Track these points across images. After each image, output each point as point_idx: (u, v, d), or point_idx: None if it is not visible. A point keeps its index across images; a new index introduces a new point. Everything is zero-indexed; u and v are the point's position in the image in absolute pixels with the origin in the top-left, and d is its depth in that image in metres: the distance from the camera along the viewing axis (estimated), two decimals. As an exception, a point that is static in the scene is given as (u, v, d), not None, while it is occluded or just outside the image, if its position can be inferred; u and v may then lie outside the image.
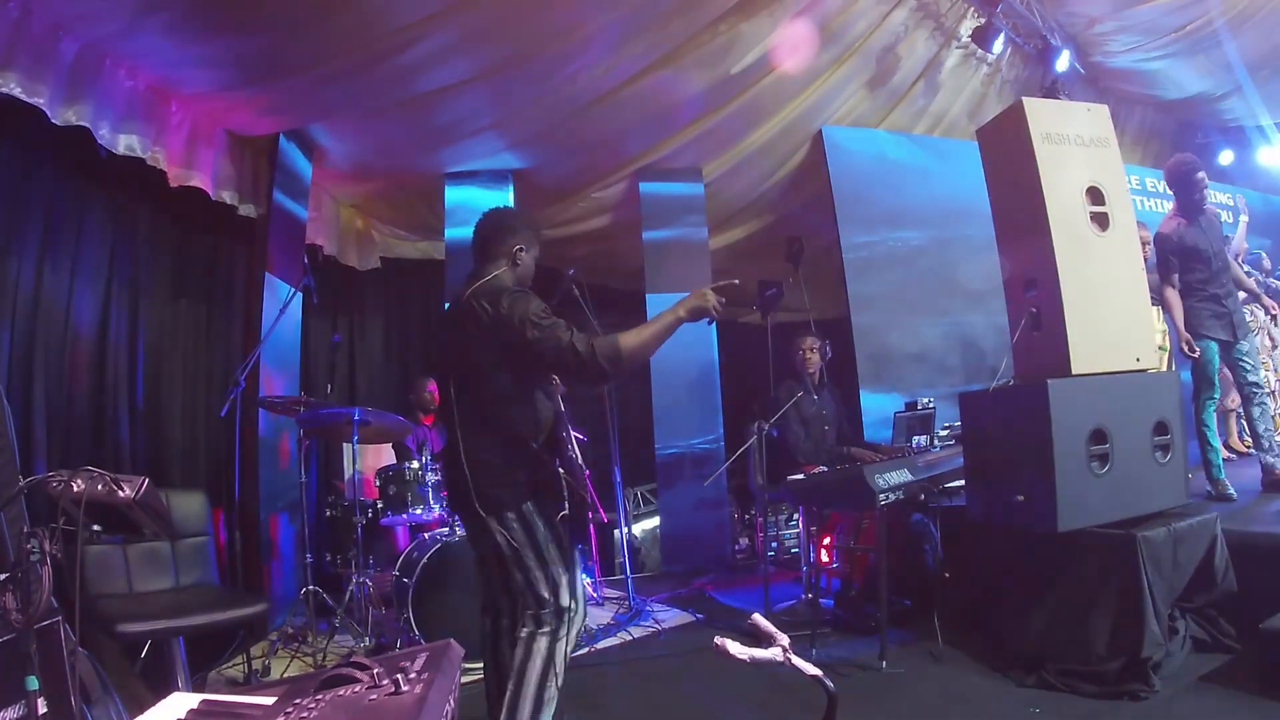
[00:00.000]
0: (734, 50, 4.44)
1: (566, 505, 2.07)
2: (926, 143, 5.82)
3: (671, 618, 3.95)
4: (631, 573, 4.46)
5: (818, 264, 5.67)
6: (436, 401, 4.90)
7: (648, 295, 5.43)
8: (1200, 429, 3.58)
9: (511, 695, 1.98)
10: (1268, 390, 3.75)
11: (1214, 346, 3.59)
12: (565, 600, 2.05)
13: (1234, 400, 4.84)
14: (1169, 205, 4.11)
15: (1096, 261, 2.87)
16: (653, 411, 5.34)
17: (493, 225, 2.27)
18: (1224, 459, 4.81)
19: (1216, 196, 5.79)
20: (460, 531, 3.39)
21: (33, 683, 1.26)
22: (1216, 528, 2.81)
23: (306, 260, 4.40)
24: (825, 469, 3.88)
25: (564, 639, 2.05)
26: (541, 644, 2.01)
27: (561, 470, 2.06)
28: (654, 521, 5.54)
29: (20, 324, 3.16)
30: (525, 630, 2.04)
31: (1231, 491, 3.47)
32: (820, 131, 5.38)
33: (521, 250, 2.25)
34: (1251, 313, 4.63)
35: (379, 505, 3.78)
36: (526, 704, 1.96)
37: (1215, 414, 3.67)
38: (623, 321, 2.48)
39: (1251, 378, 3.58)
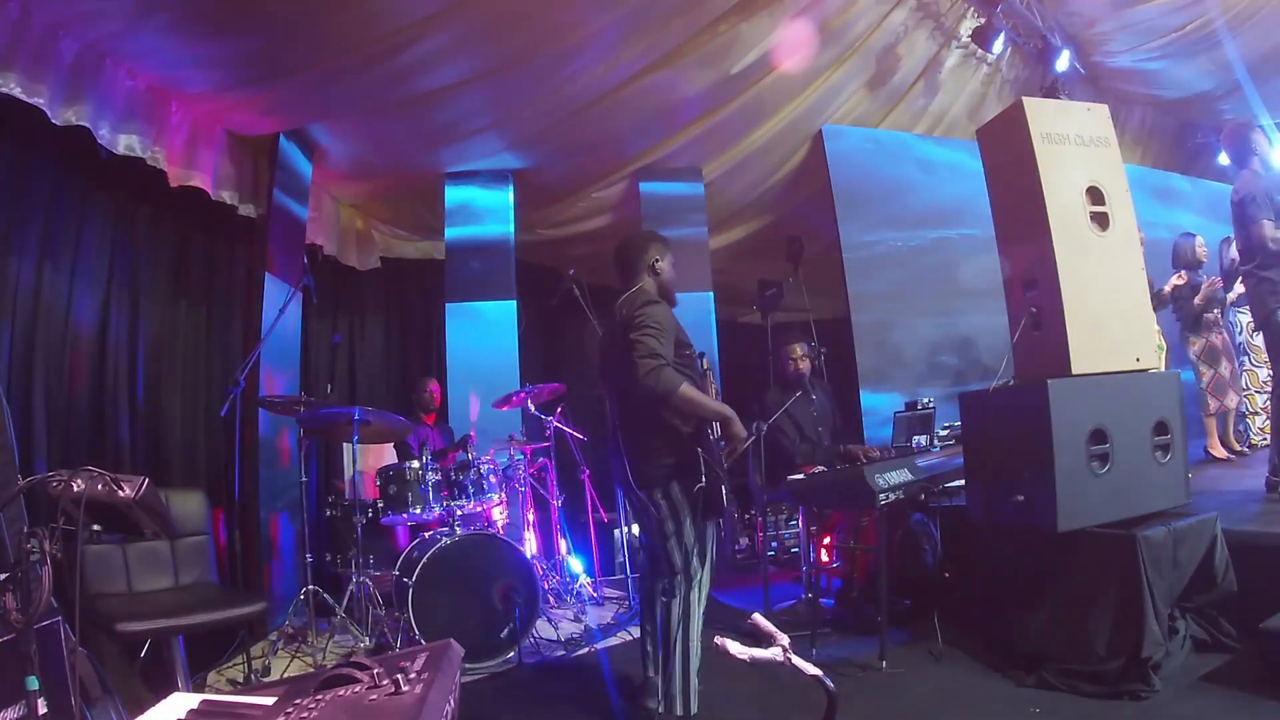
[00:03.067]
0: (734, 50, 4.44)
1: (704, 479, 2.38)
2: (926, 143, 5.82)
3: (671, 618, 3.94)
4: (631, 572, 4.46)
5: (818, 264, 5.67)
6: (438, 402, 4.93)
7: (648, 295, 5.42)
8: None
9: (662, 655, 2.34)
10: None
11: None
12: (695, 569, 2.39)
13: (1232, 400, 4.83)
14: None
15: (1096, 261, 2.87)
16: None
17: (628, 248, 2.67)
18: (1222, 459, 4.82)
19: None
20: (460, 531, 3.40)
21: (33, 683, 1.26)
22: (1216, 528, 2.80)
23: (306, 260, 4.40)
24: (824, 469, 3.88)
25: (696, 600, 2.38)
26: (676, 608, 2.34)
27: (700, 450, 2.38)
28: (654, 521, 5.52)
29: (20, 324, 3.15)
30: (664, 599, 2.39)
31: None
32: (820, 131, 5.38)
33: (658, 260, 2.63)
34: None
35: (379, 505, 3.78)
36: (677, 660, 2.30)
37: None
38: None
39: None
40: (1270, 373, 4.28)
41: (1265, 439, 4.76)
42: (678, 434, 2.40)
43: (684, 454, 2.39)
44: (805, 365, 4.20)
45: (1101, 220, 2.92)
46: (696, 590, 2.39)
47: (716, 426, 2.48)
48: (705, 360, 2.88)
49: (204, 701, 1.06)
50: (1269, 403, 3.58)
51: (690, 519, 2.39)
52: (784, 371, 4.23)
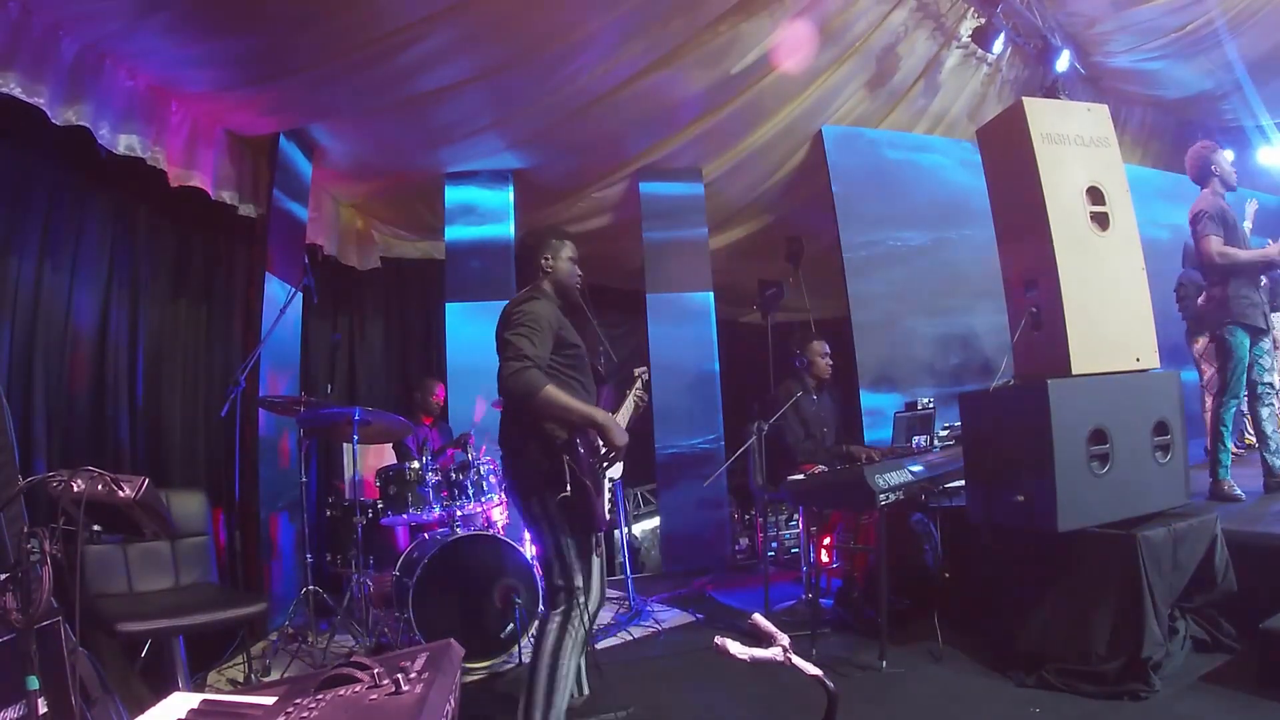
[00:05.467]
0: (734, 50, 4.44)
1: (567, 489, 2.16)
2: (927, 143, 5.82)
3: (671, 618, 3.96)
4: (632, 573, 4.46)
5: (818, 264, 5.67)
6: (442, 404, 4.93)
7: (648, 295, 5.43)
8: (1218, 428, 3.49)
9: (529, 672, 2.18)
10: (1277, 391, 3.67)
11: (1247, 339, 3.45)
12: (577, 581, 2.23)
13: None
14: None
15: (1096, 261, 2.87)
16: (653, 411, 5.34)
17: (520, 251, 2.63)
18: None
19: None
20: (460, 531, 3.40)
21: (33, 682, 1.26)
22: (1216, 528, 2.80)
23: (306, 260, 4.40)
24: (825, 468, 3.88)
25: (575, 620, 2.21)
26: (554, 624, 2.20)
27: (566, 459, 2.19)
28: (654, 521, 5.54)
29: (20, 324, 3.15)
30: (542, 611, 2.27)
31: (1239, 493, 3.43)
32: (820, 131, 5.38)
33: (547, 258, 2.49)
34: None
35: (379, 505, 3.78)
36: (540, 680, 2.14)
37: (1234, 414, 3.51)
38: (622, 321, 2.55)
39: (1268, 377, 3.52)
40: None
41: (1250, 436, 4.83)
42: (550, 439, 2.23)
43: (555, 461, 2.21)
44: (830, 364, 4.34)
45: (1101, 220, 2.93)
46: (578, 612, 2.21)
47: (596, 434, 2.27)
48: (605, 359, 2.82)
49: (204, 701, 1.06)
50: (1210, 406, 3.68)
51: (569, 533, 2.23)
52: (814, 370, 4.29)
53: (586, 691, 2.54)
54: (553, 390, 2.16)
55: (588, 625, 2.24)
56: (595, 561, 2.29)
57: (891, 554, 3.14)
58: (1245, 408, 5.13)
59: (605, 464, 2.28)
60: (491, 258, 5.18)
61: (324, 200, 5.11)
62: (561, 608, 2.21)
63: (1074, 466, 2.64)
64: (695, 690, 2.88)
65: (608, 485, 2.34)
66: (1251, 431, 5.16)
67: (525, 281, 2.54)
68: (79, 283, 3.46)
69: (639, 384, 2.82)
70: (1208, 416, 4.88)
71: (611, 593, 4.53)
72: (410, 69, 3.82)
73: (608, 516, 2.30)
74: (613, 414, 2.51)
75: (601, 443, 2.25)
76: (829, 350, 4.37)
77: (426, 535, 3.53)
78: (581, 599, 2.23)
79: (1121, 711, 2.37)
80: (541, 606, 2.27)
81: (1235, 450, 4.87)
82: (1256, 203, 4.68)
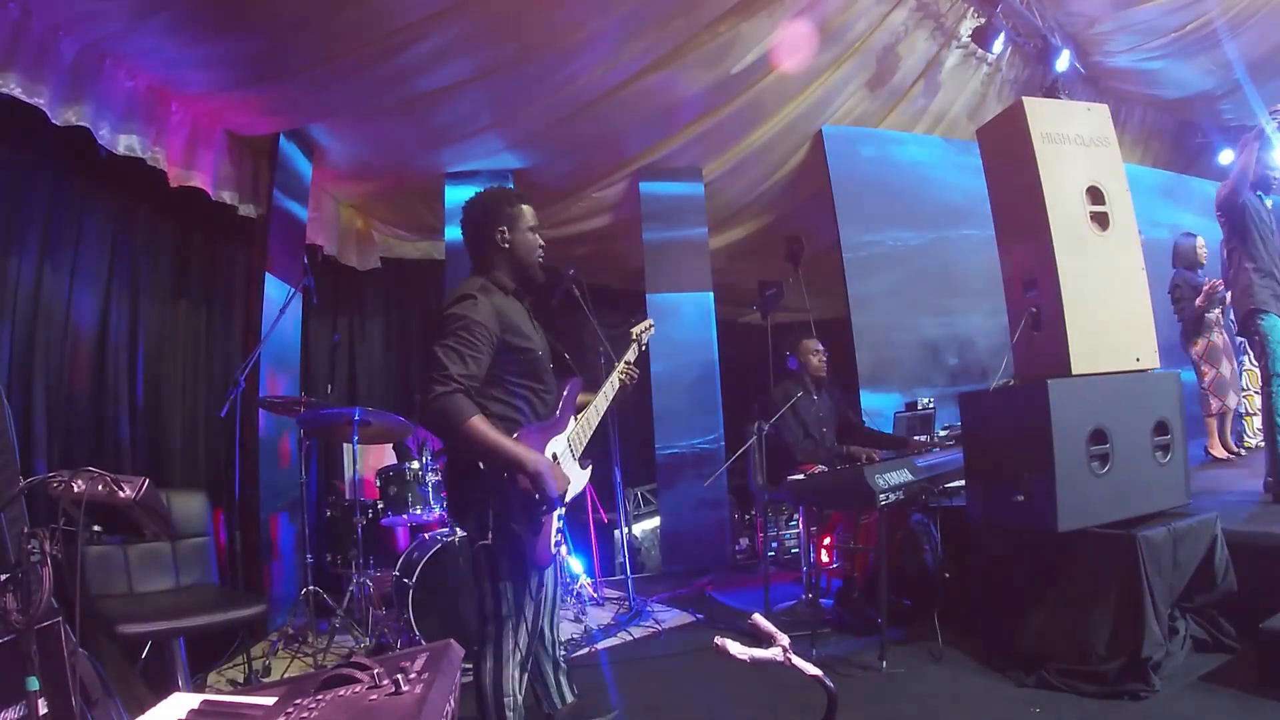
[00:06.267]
0: (734, 50, 4.44)
1: (490, 536, 1.97)
2: (926, 143, 5.82)
3: (671, 618, 3.95)
4: (632, 573, 4.46)
5: (818, 264, 5.67)
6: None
7: (648, 295, 5.43)
8: (1273, 418, 3.37)
9: (479, 711, 2.04)
10: None
11: (1279, 321, 3.40)
12: (508, 613, 2.03)
13: (1233, 399, 4.81)
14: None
15: (1096, 261, 2.87)
16: (653, 411, 5.35)
17: (469, 220, 2.21)
18: (1223, 459, 4.81)
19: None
20: (460, 532, 3.39)
21: (33, 683, 1.26)
22: (1216, 528, 2.80)
23: (306, 260, 4.40)
24: (825, 468, 3.88)
25: (507, 645, 2.02)
26: (488, 660, 2.04)
27: (492, 506, 1.97)
28: (654, 521, 5.54)
29: (20, 324, 3.16)
30: (475, 648, 2.05)
31: None
32: (820, 131, 5.39)
33: (504, 231, 2.18)
34: None
35: (379, 505, 3.78)
36: (490, 714, 2.00)
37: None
38: (623, 322, 2.48)
39: None
40: None
41: (1261, 440, 4.77)
42: (482, 472, 1.98)
43: (487, 493, 1.96)
44: (824, 361, 4.27)
45: (1101, 220, 2.92)
46: (509, 637, 2.02)
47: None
48: (605, 360, 2.55)
49: (204, 702, 1.06)
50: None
51: (507, 563, 2.02)
52: (806, 368, 4.26)
53: (569, 698, 2.39)
54: (478, 425, 1.86)
55: (524, 650, 2.05)
56: (531, 588, 2.05)
57: (891, 554, 3.14)
58: (1249, 407, 5.09)
59: (546, 508, 1.96)
60: (491, 258, 5.17)
61: (324, 200, 5.12)
62: (491, 642, 2.03)
63: (1074, 466, 2.64)
64: (695, 690, 2.88)
65: (557, 519, 2.08)
66: (1251, 433, 5.16)
67: (476, 260, 2.21)
68: (79, 283, 3.47)
69: (631, 352, 2.49)
70: (1209, 420, 4.87)
71: (611, 593, 4.54)
72: (410, 69, 3.82)
73: (553, 550, 2.04)
74: (588, 402, 2.33)
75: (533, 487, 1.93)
76: (821, 347, 4.29)
77: (426, 535, 3.53)
78: (511, 625, 2.02)
79: (1121, 711, 2.37)
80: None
81: (1234, 453, 4.87)
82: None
